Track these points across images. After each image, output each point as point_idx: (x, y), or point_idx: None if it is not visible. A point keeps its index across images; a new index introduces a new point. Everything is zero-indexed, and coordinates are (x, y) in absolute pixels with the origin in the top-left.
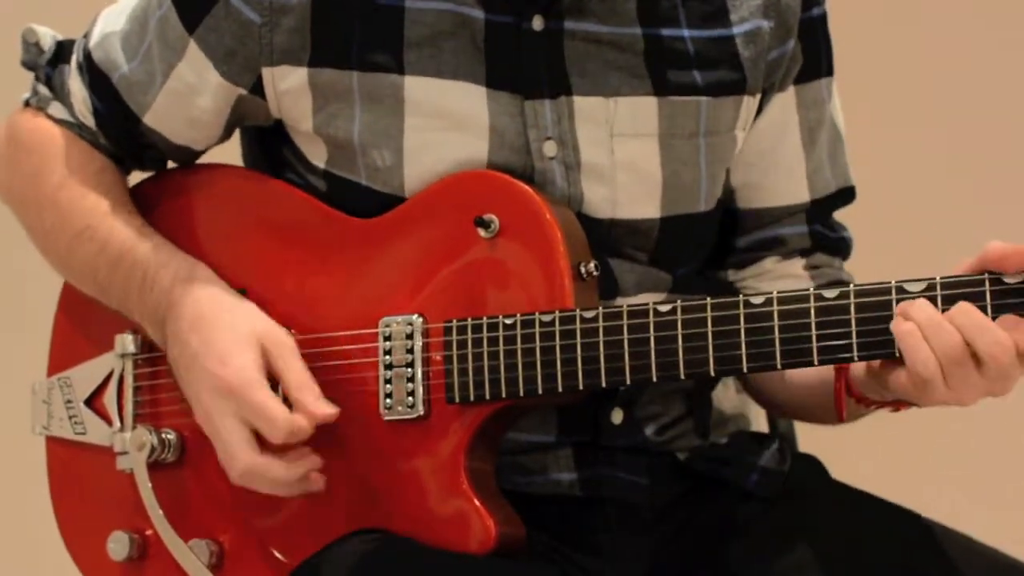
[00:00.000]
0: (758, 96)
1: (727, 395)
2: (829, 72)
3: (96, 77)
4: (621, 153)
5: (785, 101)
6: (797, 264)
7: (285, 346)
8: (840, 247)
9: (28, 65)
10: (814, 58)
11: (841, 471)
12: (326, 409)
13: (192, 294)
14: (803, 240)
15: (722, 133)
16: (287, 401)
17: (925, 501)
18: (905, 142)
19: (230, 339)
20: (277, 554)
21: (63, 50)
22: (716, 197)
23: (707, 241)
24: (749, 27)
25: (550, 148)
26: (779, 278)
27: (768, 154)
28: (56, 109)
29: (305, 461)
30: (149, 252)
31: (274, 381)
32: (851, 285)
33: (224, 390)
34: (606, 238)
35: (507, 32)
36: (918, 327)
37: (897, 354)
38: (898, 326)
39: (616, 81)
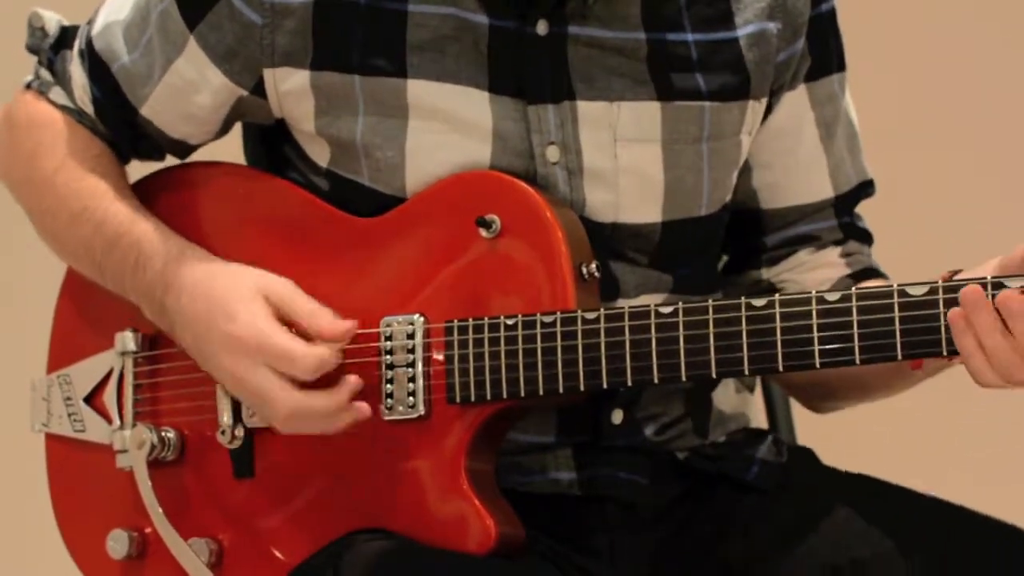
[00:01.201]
0: (764, 100)
1: (727, 395)
2: (841, 68)
3: (96, 65)
4: (624, 158)
5: (797, 99)
6: (832, 253)
7: (285, 287)
8: (868, 236)
9: (32, 49)
10: (824, 55)
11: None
12: (344, 325)
13: (184, 269)
14: (835, 232)
15: (726, 138)
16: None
17: None
18: (909, 141)
19: (233, 296)
20: (276, 553)
21: (67, 35)
22: (721, 201)
23: (711, 243)
24: (753, 29)
25: (553, 153)
26: (815, 268)
27: (786, 154)
28: (57, 94)
29: (346, 384)
30: (143, 234)
31: (287, 326)
32: (853, 288)
33: (241, 345)
34: (608, 241)
35: (511, 37)
36: (982, 348)
37: (899, 356)
38: (960, 340)
39: (619, 86)
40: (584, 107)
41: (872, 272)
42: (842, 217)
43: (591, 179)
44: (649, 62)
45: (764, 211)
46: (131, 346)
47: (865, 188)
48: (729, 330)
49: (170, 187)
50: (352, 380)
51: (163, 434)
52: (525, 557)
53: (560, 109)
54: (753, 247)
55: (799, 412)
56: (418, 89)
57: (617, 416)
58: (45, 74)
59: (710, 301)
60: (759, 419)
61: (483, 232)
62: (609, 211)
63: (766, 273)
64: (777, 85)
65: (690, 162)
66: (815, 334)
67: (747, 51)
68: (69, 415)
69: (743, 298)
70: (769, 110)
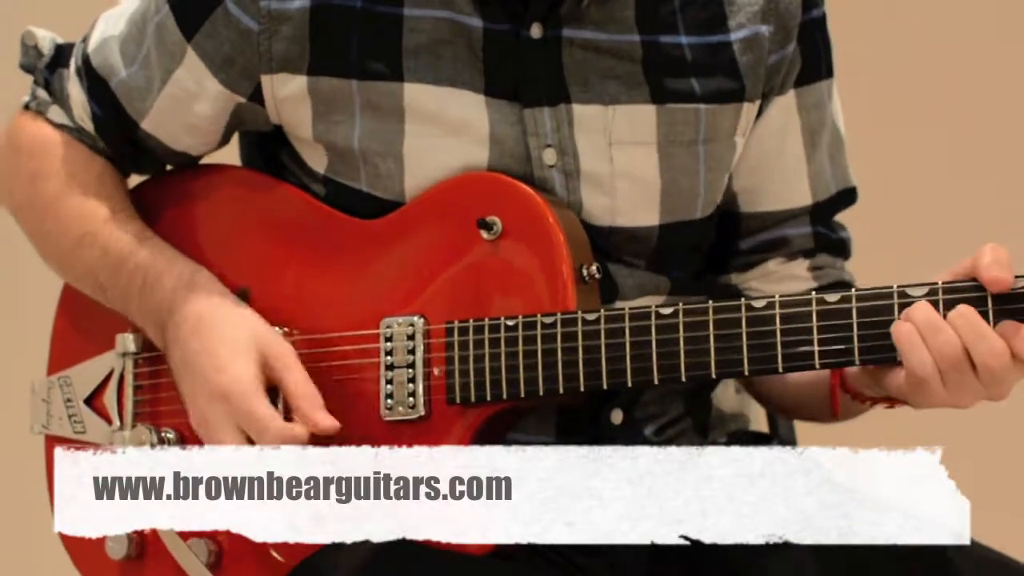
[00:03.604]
0: (757, 102)
1: (726, 395)
2: (829, 74)
3: (95, 82)
4: (620, 161)
5: (785, 104)
6: (801, 265)
7: (285, 354)
8: (842, 248)
9: (27, 68)
10: (814, 60)
11: None
12: (325, 421)
13: (192, 299)
14: (807, 241)
15: (721, 140)
16: (289, 408)
17: None
18: (906, 143)
19: (229, 347)
20: (275, 554)
21: (62, 54)
22: (714, 203)
23: (704, 245)
24: (747, 33)
25: (550, 156)
26: (783, 280)
27: (770, 158)
28: (55, 113)
29: None
30: (149, 256)
31: (275, 389)
32: (853, 289)
33: (220, 396)
34: (605, 245)
35: (505, 40)
36: (916, 329)
37: (899, 359)
38: (897, 327)
39: (614, 89)
40: (579, 110)
41: (841, 286)
42: (817, 225)
43: (588, 182)
44: (644, 65)
45: (742, 214)
46: (131, 347)
47: (845, 196)
48: (729, 332)
49: (171, 191)
50: None
51: (163, 435)
52: (525, 557)
53: (556, 112)
54: (727, 250)
55: None
56: (414, 93)
57: (617, 416)
58: (42, 94)
59: (710, 302)
60: (759, 419)
61: (484, 234)
62: (606, 215)
63: (735, 279)
64: (768, 88)
65: (685, 165)
66: (815, 335)
67: (740, 55)
68: (69, 416)
69: (743, 299)
70: (759, 114)
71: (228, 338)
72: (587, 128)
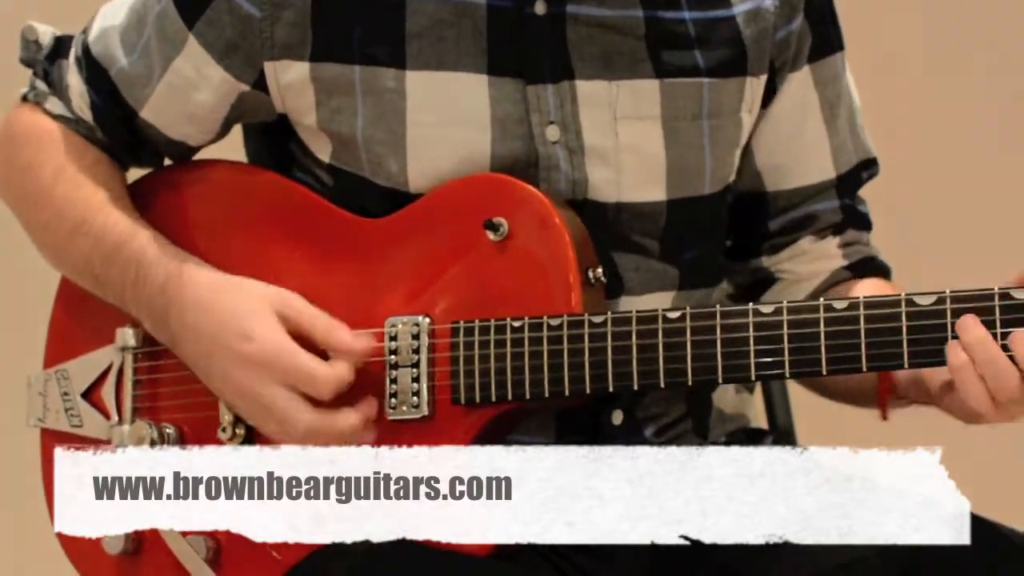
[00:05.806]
0: (763, 77)
1: (727, 395)
2: (840, 46)
3: (94, 71)
4: (625, 136)
5: (802, 80)
6: (832, 243)
7: (297, 301)
8: (866, 221)
9: (27, 62)
10: (824, 34)
11: None
12: (364, 344)
13: (186, 283)
14: (835, 215)
15: (725, 115)
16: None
17: None
18: (913, 142)
19: (244, 313)
20: (274, 552)
21: (61, 45)
22: (724, 180)
23: (716, 225)
24: (750, 6)
25: (553, 132)
26: (815, 259)
27: (791, 135)
28: (53, 104)
29: (364, 406)
30: (141, 247)
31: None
32: (861, 297)
33: (259, 364)
34: (613, 225)
35: (509, 17)
36: (973, 362)
37: (906, 365)
38: (953, 358)
39: (618, 65)
40: (583, 87)
41: (871, 262)
42: (844, 198)
43: (593, 157)
44: (647, 40)
45: (769, 193)
46: (131, 342)
47: (867, 167)
48: (736, 336)
49: (171, 187)
50: (369, 402)
51: (162, 430)
52: (524, 558)
53: (559, 89)
54: (757, 232)
55: (799, 413)
56: (416, 79)
57: (617, 417)
58: (40, 85)
59: (718, 307)
60: (759, 419)
61: (490, 235)
62: (612, 190)
63: (766, 261)
64: (779, 63)
65: (690, 139)
66: (822, 342)
67: (744, 28)
68: (66, 410)
69: (751, 304)
70: (773, 92)
71: (240, 307)
72: (591, 104)
